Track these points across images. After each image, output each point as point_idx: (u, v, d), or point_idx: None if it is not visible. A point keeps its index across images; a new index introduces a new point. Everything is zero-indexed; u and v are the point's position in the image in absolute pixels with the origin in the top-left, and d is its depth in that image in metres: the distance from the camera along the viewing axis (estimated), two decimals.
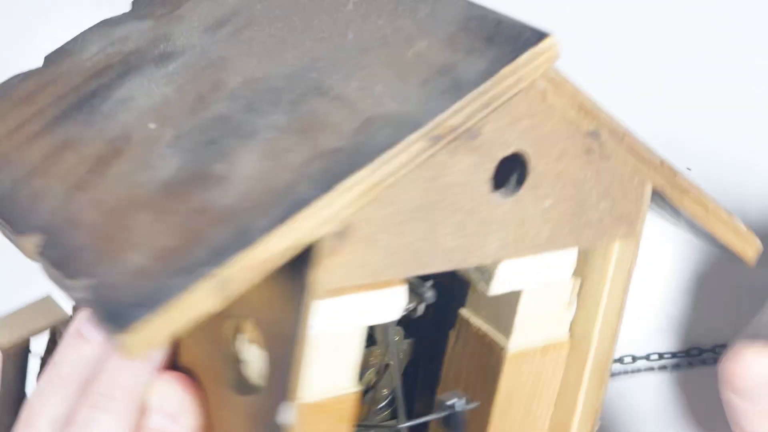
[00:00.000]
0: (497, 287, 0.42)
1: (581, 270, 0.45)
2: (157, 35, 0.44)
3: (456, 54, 0.37)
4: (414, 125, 0.35)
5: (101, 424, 0.41)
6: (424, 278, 0.43)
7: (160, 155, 0.38)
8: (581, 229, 0.41)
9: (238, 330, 0.39)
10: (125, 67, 0.43)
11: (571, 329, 0.45)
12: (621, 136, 0.40)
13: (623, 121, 0.41)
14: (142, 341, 0.32)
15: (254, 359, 0.40)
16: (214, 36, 0.43)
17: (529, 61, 0.36)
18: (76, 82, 0.43)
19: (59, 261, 0.36)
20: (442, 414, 0.44)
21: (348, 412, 0.41)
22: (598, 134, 0.40)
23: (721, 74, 0.59)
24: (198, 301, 0.33)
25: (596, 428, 0.46)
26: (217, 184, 0.36)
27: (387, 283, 0.39)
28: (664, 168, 0.42)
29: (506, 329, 0.44)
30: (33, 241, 0.37)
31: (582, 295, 0.45)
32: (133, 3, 0.47)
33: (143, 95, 0.41)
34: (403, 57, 0.38)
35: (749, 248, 0.46)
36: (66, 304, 0.47)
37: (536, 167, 0.39)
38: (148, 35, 0.45)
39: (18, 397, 0.47)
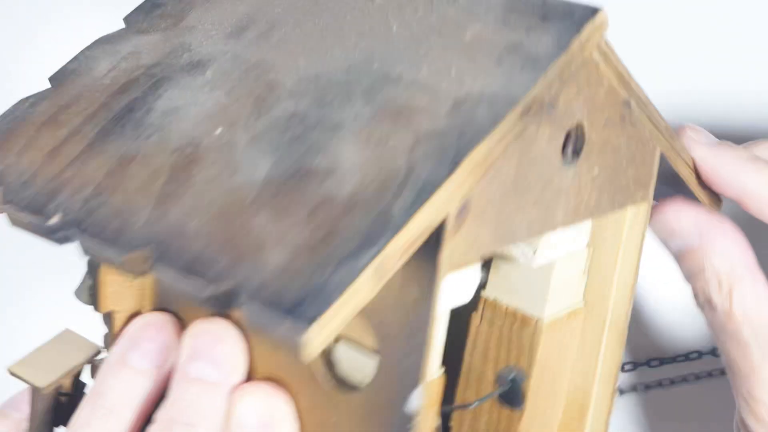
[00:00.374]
0: (541, 259, 0.45)
1: (594, 238, 0.47)
2: (173, 46, 0.44)
3: (516, 32, 0.39)
4: (510, 101, 0.37)
5: None
6: None
7: (243, 158, 0.38)
8: (615, 195, 0.44)
9: None
10: (152, 79, 0.43)
11: (585, 297, 0.48)
12: (646, 103, 0.43)
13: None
14: (322, 337, 0.32)
15: (345, 357, 0.40)
16: (240, 41, 0.43)
17: (590, 33, 0.39)
18: (102, 99, 0.42)
19: (183, 269, 0.35)
20: (504, 389, 0.45)
21: (437, 396, 0.42)
22: (629, 102, 0.43)
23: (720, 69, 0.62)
24: (362, 291, 0.33)
25: (616, 392, 0.49)
26: (326, 177, 0.36)
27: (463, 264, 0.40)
28: (668, 132, 0.45)
29: (538, 302, 0.47)
30: (141, 255, 0.36)
31: (596, 262, 0.48)
32: (126, 19, 0.46)
33: (190, 104, 0.41)
34: (461, 41, 0.40)
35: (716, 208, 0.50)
36: (90, 335, 0.46)
37: (590, 137, 0.41)
38: (162, 47, 0.44)
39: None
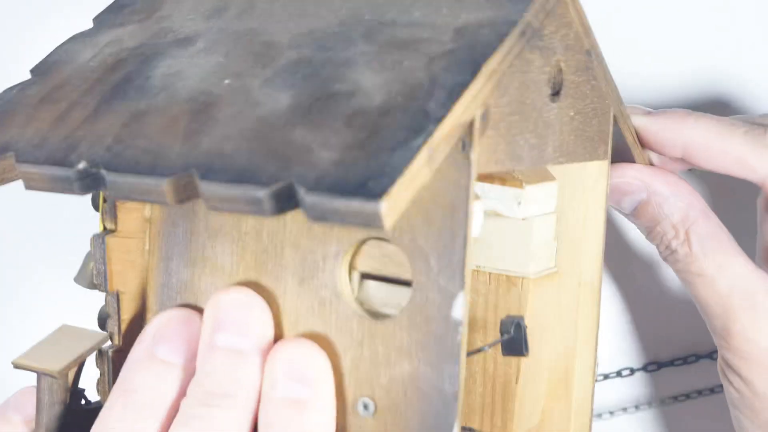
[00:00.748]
0: (525, 211, 0.47)
1: (559, 203, 0.50)
2: (154, 31, 0.45)
3: None
4: (509, 23, 0.40)
5: (221, 422, 0.40)
6: None
7: (263, 95, 0.40)
8: (585, 143, 0.47)
9: (352, 267, 0.41)
10: (142, 56, 0.44)
11: (557, 262, 0.50)
12: (602, 59, 0.47)
13: None
14: (394, 209, 0.34)
15: (372, 294, 0.41)
16: (222, 19, 0.45)
17: None
18: (95, 77, 0.43)
19: (233, 180, 0.36)
20: (509, 336, 0.47)
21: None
22: (591, 54, 0.46)
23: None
24: (420, 173, 0.35)
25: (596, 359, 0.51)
26: (350, 96, 0.38)
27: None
28: (617, 93, 0.49)
29: (522, 261, 0.49)
30: (183, 179, 0.37)
31: (564, 226, 0.50)
32: (97, 19, 0.47)
33: (189, 67, 0.42)
34: None
35: None
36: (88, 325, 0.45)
37: (566, 77, 0.44)
38: (142, 33, 0.45)
39: (63, 424, 0.43)
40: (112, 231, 0.44)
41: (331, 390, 0.40)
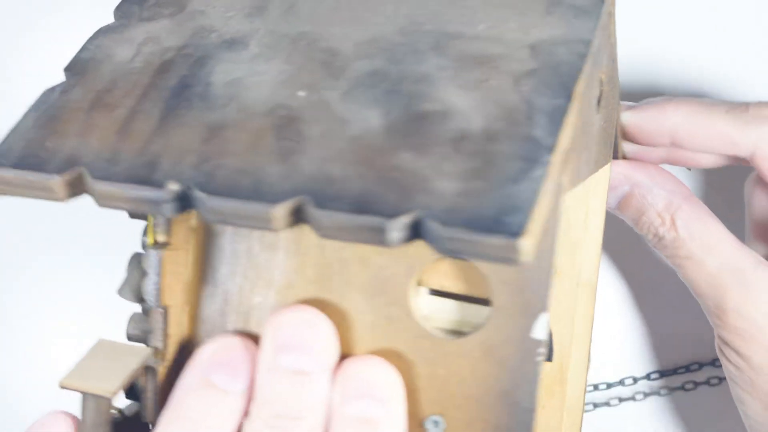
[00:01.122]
0: None
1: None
2: (193, 30, 0.43)
3: None
4: (583, 42, 0.40)
5: None
6: None
7: (347, 111, 0.39)
8: (605, 150, 0.48)
9: (419, 284, 0.41)
10: (191, 59, 0.42)
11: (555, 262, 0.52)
12: (617, 63, 0.48)
13: None
14: (533, 244, 0.34)
15: (442, 307, 0.41)
16: (266, 19, 0.43)
17: None
18: (145, 80, 0.41)
19: (352, 210, 0.35)
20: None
21: None
22: (615, 61, 0.47)
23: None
24: (546, 203, 0.35)
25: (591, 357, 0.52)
26: (445, 118, 0.38)
27: None
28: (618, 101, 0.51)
29: None
30: (293, 204, 0.36)
31: (565, 227, 0.51)
32: (119, 10, 0.45)
33: (250, 75, 0.41)
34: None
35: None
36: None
37: (604, 88, 0.45)
38: (181, 31, 0.43)
39: None
40: (165, 245, 0.42)
41: (404, 408, 0.41)
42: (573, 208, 0.51)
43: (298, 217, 0.36)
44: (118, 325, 0.44)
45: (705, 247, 0.51)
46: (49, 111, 0.41)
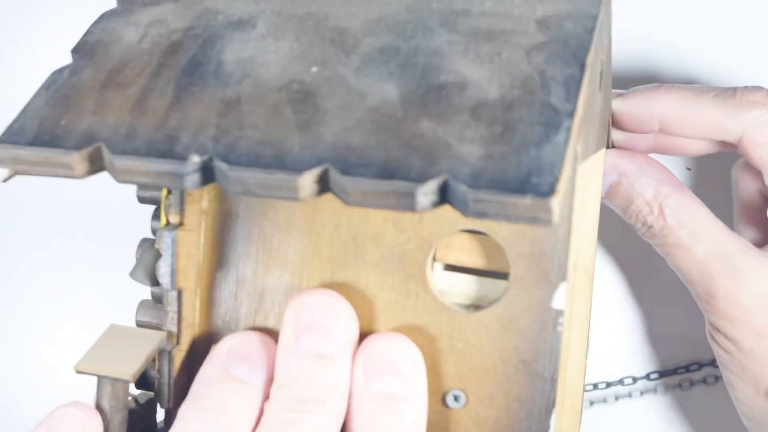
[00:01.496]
0: None
1: None
2: (199, 12, 0.43)
3: None
4: (589, 16, 0.41)
5: (313, 428, 0.39)
6: None
7: (363, 85, 0.39)
8: (604, 132, 0.49)
9: (435, 259, 0.41)
10: (199, 39, 0.42)
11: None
12: (611, 49, 0.49)
13: None
14: (561, 204, 0.34)
15: (459, 282, 0.42)
16: (273, 1, 0.44)
17: None
18: (155, 60, 0.41)
19: (379, 176, 0.36)
20: None
21: None
22: (609, 42, 0.48)
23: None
24: (569, 168, 0.36)
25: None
26: (462, 88, 0.38)
27: None
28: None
29: None
30: (318, 173, 0.36)
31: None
32: None
33: (262, 53, 0.41)
34: None
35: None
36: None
37: (604, 68, 0.46)
38: (187, 13, 0.43)
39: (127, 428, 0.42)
40: (178, 225, 0.42)
41: (425, 383, 0.41)
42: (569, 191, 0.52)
43: (323, 185, 0.37)
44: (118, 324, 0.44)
45: (694, 235, 0.52)
46: (60, 90, 0.40)
